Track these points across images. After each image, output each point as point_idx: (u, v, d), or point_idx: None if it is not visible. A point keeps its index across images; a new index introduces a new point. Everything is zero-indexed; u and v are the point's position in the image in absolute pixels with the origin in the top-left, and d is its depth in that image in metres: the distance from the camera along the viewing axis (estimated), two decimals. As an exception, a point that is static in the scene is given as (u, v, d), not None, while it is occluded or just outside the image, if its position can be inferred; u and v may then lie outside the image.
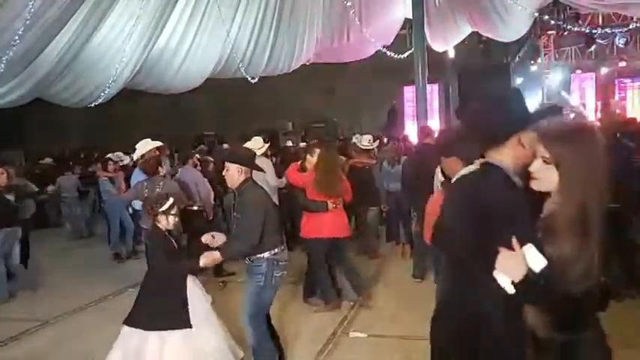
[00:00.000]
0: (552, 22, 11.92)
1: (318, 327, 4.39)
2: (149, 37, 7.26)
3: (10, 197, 5.62)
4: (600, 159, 1.56)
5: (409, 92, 12.79)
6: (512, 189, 1.66)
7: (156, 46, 7.60)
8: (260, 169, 3.71)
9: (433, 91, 12.59)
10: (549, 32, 14.33)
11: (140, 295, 3.31)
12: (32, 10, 5.29)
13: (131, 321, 3.21)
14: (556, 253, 1.47)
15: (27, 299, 5.66)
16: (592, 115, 13.69)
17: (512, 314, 1.62)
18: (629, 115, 12.48)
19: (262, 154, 5.94)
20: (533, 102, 15.50)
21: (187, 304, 3.22)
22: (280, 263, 3.33)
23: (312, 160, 4.74)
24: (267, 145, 6.04)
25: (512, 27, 10.13)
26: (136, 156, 5.58)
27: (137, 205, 5.43)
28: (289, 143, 10.68)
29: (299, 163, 5.00)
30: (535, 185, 1.63)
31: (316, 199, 4.61)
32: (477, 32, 11.14)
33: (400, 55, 10.64)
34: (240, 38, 8.80)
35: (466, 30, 10.99)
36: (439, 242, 2.03)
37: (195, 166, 6.45)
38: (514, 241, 1.47)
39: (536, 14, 10.09)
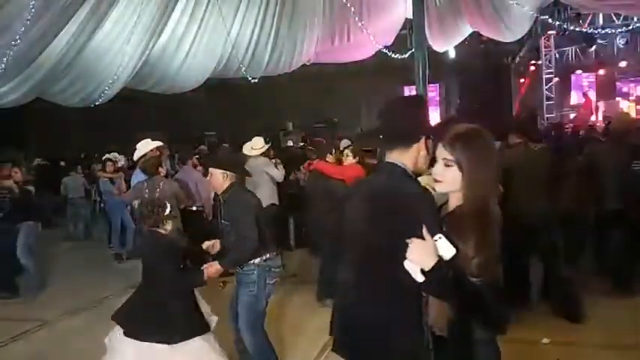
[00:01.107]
0: (552, 22, 11.90)
1: (318, 328, 4.37)
2: (150, 37, 7.26)
3: (31, 189, 5.89)
4: (495, 158, 1.71)
5: (410, 92, 12.78)
6: (419, 186, 1.79)
7: (157, 46, 7.60)
8: (248, 174, 3.64)
9: (433, 91, 12.58)
10: (550, 32, 14.31)
11: (145, 305, 3.01)
12: (33, 9, 5.29)
13: (138, 334, 2.91)
14: (460, 248, 1.55)
15: (27, 299, 5.66)
16: (593, 115, 13.68)
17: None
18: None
19: (263, 155, 5.95)
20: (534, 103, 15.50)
21: (200, 309, 3.09)
22: (273, 269, 3.22)
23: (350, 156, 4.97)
24: (267, 146, 6.05)
25: (513, 27, 10.11)
26: (136, 156, 5.58)
27: (138, 205, 5.43)
28: (290, 143, 10.67)
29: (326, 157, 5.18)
30: (438, 187, 1.70)
31: None
32: (478, 32, 11.13)
33: (401, 55, 10.63)
34: (241, 38, 8.80)
35: (466, 30, 10.97)
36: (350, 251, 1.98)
37: (196, 166, 6.45)
38: (424, 230, 1.53)
39: (537, 14, 10.08)
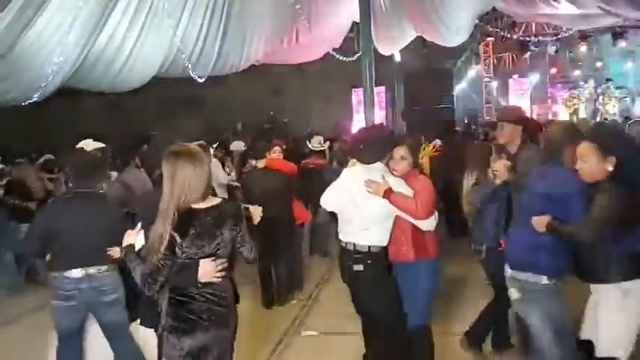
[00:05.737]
0: (491, 29, 12.56)
1: (270, 326, 4.39)
2: (90, 33, 6.95)
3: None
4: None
5: (357, 94, 13.03)
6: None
7: (98, 43, 7.29)
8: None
9: (379, 93, 12.86)
10: (489, 38, 15.06)
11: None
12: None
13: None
14: (151, 235, 2.20)
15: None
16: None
17: None
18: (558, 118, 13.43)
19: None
20: (474, 106, 16.24)
21: None
22: (58, 292, 2.92)
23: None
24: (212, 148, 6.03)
25: (455, 33, 10.56)
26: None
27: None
28: (241, 145, 10.53)
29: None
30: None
31: None
32: (422, 37, 11.51)
33: (348, 58, 10.81)
34: (188, 36, 8.61)
35: (411, 34, 11.32)
36: None
37: (139, 167, 6.26)
38: (138, 226, 2.27)
39: (477, 21, 10.59)
